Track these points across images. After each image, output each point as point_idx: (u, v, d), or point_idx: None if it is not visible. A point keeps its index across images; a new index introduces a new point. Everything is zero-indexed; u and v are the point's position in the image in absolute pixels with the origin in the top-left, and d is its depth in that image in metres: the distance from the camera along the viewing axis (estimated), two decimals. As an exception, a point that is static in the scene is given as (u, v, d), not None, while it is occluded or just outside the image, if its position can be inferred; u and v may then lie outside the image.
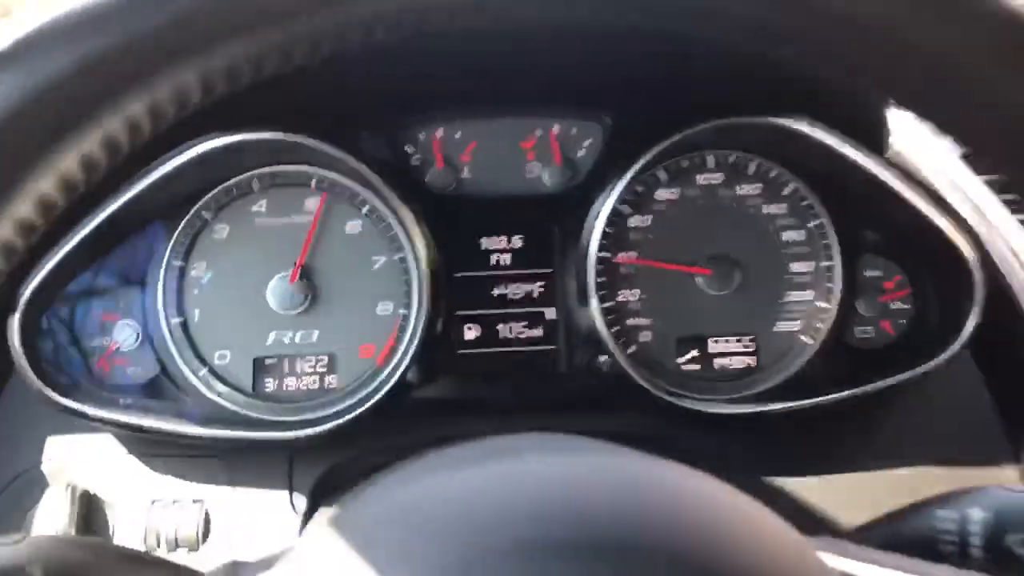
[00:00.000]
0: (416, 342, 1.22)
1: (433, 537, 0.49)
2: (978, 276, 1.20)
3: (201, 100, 0.52)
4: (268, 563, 0.60)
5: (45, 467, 1.23)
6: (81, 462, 1.23)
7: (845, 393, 1.23)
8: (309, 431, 1.18)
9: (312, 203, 1.27)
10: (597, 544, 0.48)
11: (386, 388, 1.20)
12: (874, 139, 1.29)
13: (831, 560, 0.64)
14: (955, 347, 1.21)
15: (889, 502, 0.97)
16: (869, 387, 1.23)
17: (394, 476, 0.56)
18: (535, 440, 0.59)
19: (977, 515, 0.86)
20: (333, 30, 0.51)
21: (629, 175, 1.23)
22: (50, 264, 1.13)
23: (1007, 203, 1.33)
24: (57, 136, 0.48)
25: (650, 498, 0.53)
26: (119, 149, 0.51)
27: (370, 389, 1.22)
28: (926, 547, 0.84)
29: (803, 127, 1.21)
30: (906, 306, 1.32)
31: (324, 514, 0.58)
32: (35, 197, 0.49)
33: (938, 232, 1.21)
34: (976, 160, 1.25)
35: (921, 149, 1.39)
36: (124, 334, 1.23)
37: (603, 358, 1.24)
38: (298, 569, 0.54)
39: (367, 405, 1.19)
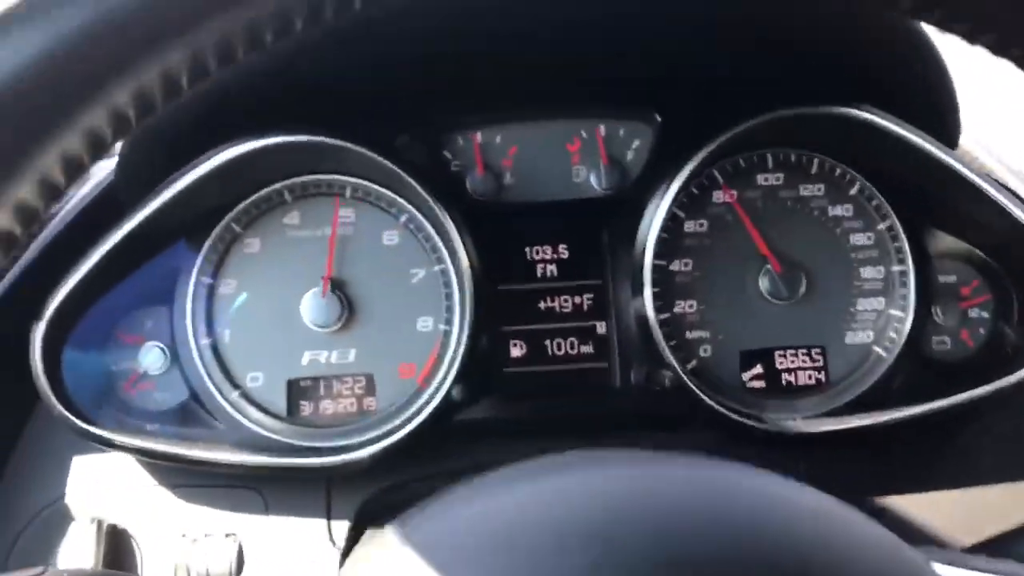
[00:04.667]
0: (459, 360, 1.14)
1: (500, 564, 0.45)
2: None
3: (191, 79, 0.46)
4: None
5: (70, 499, 1.16)
6: (108, 493, 1.17)
7: (925, 409, 1.13)
8: (347, 457, 1.10)
9: (348, 213, 1.20)
10: (691, 560, 0.45)
11: (428, 410, 1.12)
12: (943, 132, 1.20)
13: (944, 570, 0.59)
14: None
15: (985, 522, 0.89)
16: (951, 401, 1.13)
17: (446, 497, 0.53)
18: (599, 455, 0.56)
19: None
20: None
21: (684, 176, 1.15)
22: (74, 279, 1.07)
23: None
24: (60, 111, 0.43)
25: (741, 508, 0.50)
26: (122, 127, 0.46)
27: (411, 411, 1.14)
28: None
29: (868, 115, 1.12)
30: (985, 314, 1.23)
31: (369, 540, 0.52)
32: (37, 177, 0.43)
33: (1020, 229, 1.12)
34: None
35: (994, 142, 1.31)
36: (151, 357, 1.17)
37: (666, 373, 1.15)
38: None
39: (408, 429, 1.11)
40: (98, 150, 0.47)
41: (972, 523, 1.12)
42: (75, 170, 0.46)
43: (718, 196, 1.22)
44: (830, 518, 0.51)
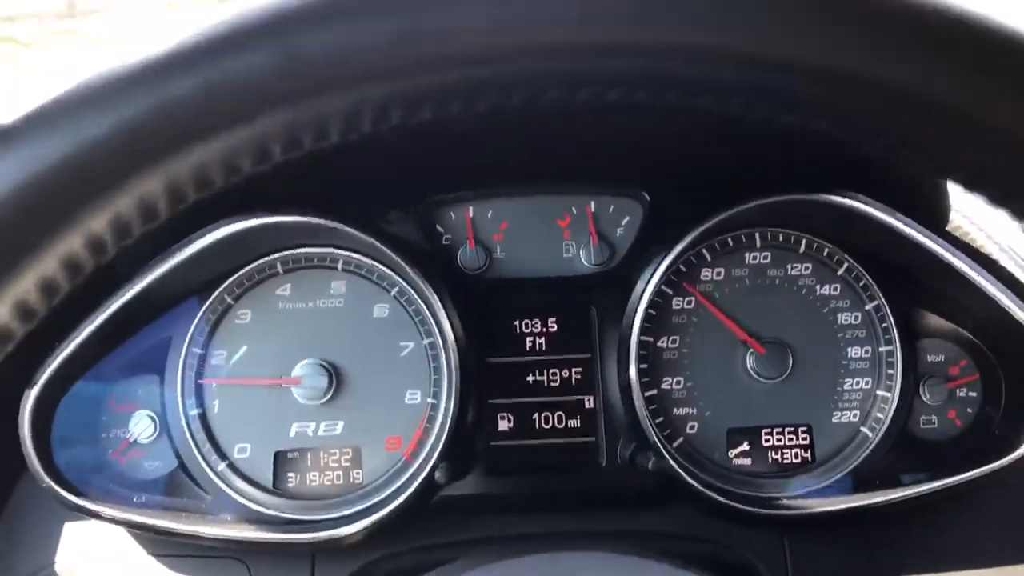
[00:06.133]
0: (446, 434, 1.14)
1: None
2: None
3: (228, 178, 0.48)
4: None
5: (59, 567, 1.16)
6: (95, 562, 1.17)
7: (911, 492, 1.13)
8: (333, 533, 1.10)
9: (339, 286, 1.21)
10: None
11: (414, 486, 1.12)
12: (932, 215, 1.21)
13: None
14: None
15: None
16: (938, 484, 1.13)
17: None
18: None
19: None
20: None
21: (673, 254, 1.15)
22: (68, 348, 1.08)
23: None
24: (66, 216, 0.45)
25: None
26: (128, 232, 0.48)
27: (397, 485, 1.14)
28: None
29: (856, 203, 1.14)
30: (973, 394, 1.23)
31: None
32: (37, 278, 0.46)
33: (1005, 313, 1.13)
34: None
35: (982, 226, 1.31)
36: (141, 425, 1.17)
37: (649, 455, 1.14)
38: None
39: (394, 504, 1.11)
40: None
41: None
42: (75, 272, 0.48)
43: (706, 274, 1.23)
44: None
